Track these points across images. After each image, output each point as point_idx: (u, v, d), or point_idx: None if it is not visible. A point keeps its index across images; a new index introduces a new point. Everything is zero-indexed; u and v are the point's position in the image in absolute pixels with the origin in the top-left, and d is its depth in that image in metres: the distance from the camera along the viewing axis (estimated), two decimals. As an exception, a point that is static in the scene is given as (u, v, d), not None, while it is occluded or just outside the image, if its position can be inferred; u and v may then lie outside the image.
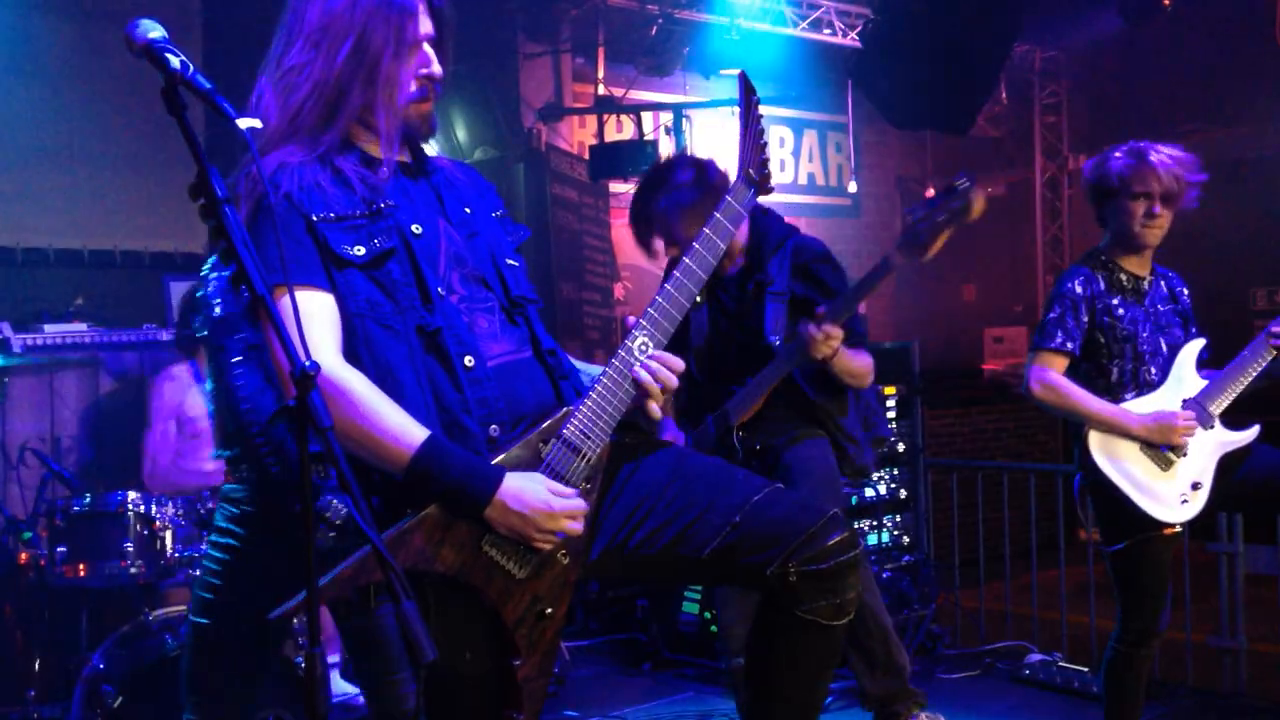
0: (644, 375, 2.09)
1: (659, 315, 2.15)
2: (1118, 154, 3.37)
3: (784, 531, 2.09)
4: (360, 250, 2.03)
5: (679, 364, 2.14)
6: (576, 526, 2.02)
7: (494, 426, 2.06)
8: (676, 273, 2.19)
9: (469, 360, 2.06)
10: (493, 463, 2.00)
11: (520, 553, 2.00)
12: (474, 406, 2.04)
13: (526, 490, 1.96)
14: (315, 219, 2.02)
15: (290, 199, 2.02)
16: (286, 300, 1.86)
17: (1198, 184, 3.35)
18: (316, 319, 1.98)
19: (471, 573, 1.97)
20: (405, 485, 1.94)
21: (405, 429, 1.94)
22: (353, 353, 2.03)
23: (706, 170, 3.47)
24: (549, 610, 2.04)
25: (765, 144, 2.38)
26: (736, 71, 2.45)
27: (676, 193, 3.41)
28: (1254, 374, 3.37)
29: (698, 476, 2.19)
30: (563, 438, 2.05)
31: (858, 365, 3.44)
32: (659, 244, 3.48)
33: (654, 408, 2.12)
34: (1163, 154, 3.32)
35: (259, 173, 1.88)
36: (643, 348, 2.12)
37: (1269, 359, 3.36)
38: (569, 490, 2.02)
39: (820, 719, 2.30)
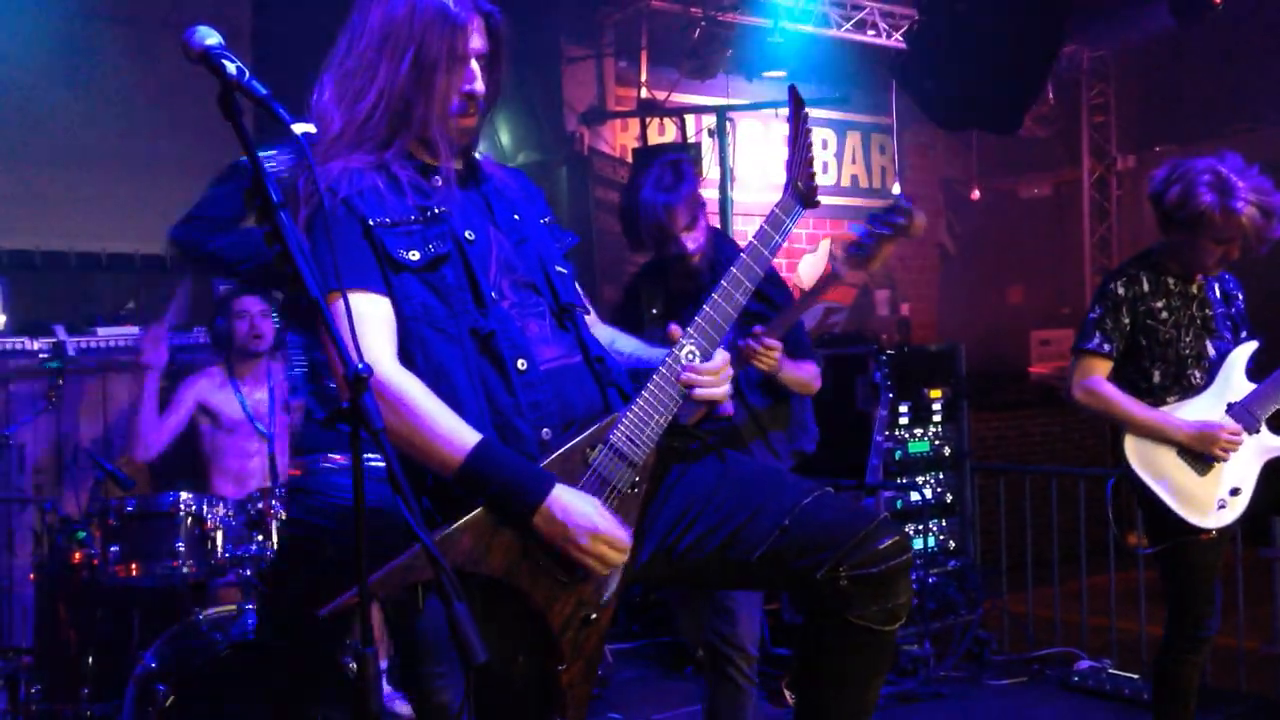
0: (695, 392, 2.11)
1: (706, 325, 2.15)
2: (1205, 191, 3.22)
3: (835, 535, 2.07)
4: (415, 255, 2.06)
5: (723, 393, 2.14)
6: (617, 557, 2.00)
7: (546, 430, 2.07)
8: (724, 282, 2.19)
9: (522, 363, 2.07)
10: (540, 466, 2.01)
11: (565, 559, 2.00)
12: (526, 410, 2.06)
13: (574, 507, 1.96)
14: (372, 223, 2.04)
15: (349, 204, 2.04)
16: (342, 304, 1.87)
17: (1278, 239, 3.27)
18: (373, 322, 2.00)
19: (518, 576, 1.98)
20: (456, 488, 1.96)
21: (458, 432, 1.96)
22: (407, 356, 2.05)
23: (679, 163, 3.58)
24: (594, 616, 2.04)
25: (813, 158, 2.38)
26: (777, 74, 2.48)
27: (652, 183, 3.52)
28: (1305, 381, 3.32)
29: (747, 480, 2.18)
30: (610, 444, 2.06)
31: (802, 375, 3.51)
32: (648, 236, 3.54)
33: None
34: (1252, 204, 3.19)
35: (316, 177, 1.90)
36: (689, 356, 2.12)
37: None
38: (619, 521, 2.01)
39: None
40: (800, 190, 2.34)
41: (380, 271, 2.04)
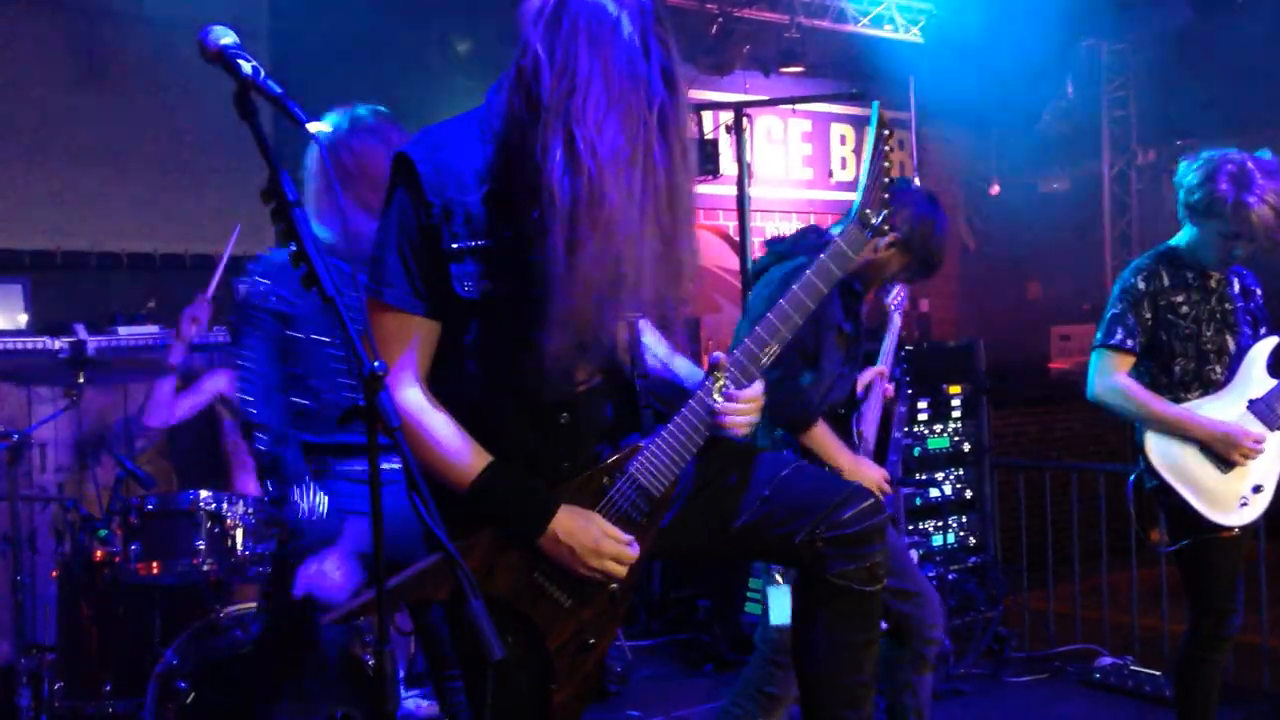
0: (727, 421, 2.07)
1: (745, 359, 2.11)
2: (1224, 179, 3.18)
3: (811, 503, 2.13)
4: (487, 285, 1.98)
5: (748, 423, 2.11)
6: (621, 570, 2.02)
7: (566, 464, 2.06)
8: (770, 315, 2.13)
9: (565, 417, 2.04)
10: (554, 493, 2.01)
11: (569, 582, 2.02)
12: (560, 455, 2.05)
13: (577, 529, 1.99)
14: (455, 247, 1.96)
15: (432, 215, 1.97)
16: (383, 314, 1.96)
17: None
18: (411, 344, 2.00)
19: (521, 597, 2.00)
20: (465, 507, 1.97)
21: (465, 457, 1.97)
22: (448, 383, 2.04)
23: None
24: (592, 640, 2.06)
25: (889, 183, 2.27)
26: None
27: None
28: (1327, 378, 3.29)
29: (724, 455, 2.20)
30: (628, 474, 2.05)
31: None
32: None
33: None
34: (1267, 203, 3.15)
35: (425, 179, 1.94)
36: (723, 389, 2.08)
37: None
38: (623, 535, 2.03)
39: None
40: (869, 219, 2.25)
41: (436, 295, 1.98)
